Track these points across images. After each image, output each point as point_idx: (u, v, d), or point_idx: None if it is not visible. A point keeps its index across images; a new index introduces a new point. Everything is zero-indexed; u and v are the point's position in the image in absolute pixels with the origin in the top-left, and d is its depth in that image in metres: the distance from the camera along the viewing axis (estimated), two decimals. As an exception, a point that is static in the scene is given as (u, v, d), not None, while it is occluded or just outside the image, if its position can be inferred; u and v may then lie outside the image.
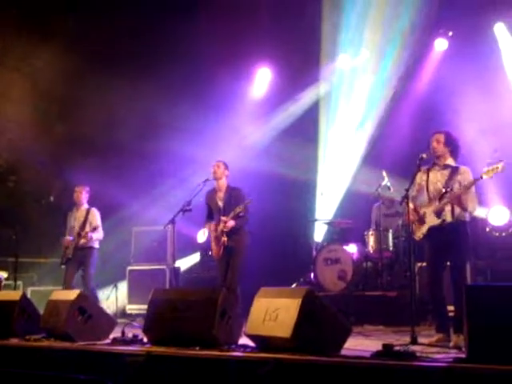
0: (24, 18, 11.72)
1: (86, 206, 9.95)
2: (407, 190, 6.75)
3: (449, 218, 6.72)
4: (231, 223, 8.20)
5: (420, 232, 6.90)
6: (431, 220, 6.82)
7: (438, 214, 6.77)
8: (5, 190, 11.99)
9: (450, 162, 6.91)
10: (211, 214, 8.60)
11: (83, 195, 9.92)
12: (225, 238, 8.25)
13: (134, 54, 12.29)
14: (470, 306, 4.87)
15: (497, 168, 6.40)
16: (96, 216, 9.89)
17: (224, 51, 11.58)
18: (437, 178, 6.90)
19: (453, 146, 6.94)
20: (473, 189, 6.71)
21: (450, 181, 6.78)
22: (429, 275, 6.95)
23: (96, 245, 9.82)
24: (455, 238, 6.71)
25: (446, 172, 6.86)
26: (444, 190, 6.74)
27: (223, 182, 8.52)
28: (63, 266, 9.76)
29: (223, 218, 8.26)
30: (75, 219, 9.88)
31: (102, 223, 9.88)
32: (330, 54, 12.33)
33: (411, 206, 6.84)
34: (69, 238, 9.70)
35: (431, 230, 6.82)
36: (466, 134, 10.33)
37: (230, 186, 8.54)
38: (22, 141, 11.92)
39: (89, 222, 9.77)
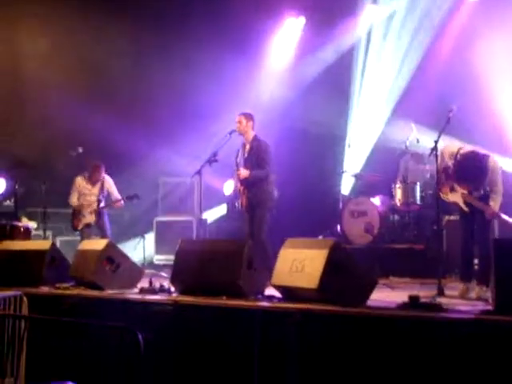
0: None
1: (104, 176, 10.18)
2: (436, 142, 6.69)
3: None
4: (245, 173, 8.14)
5: (450, 197, 6.92)
6: (459, 201, 6.88)
7: (466, 204, 6.84)
8: (33, 142, 12.05)
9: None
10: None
11: (102, 172, 10.07)
12: (241, 187, 8.22)
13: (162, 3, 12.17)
14: (498, 260, 4.86)
15: None
16: (111, 183, 10.18)
17: (251, 3, 11.41)
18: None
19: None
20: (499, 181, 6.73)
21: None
22: (461, 229, 7.00)
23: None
24: (481, 217, 6.81)
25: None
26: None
27: (249, 135, 8.39)
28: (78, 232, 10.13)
29: (240, 168, 8.24)
30: (91, 188, 10.05)
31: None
32: (359, 4, 12.10)
33: (440, 165, 6.81)
34: (77, 202, 9.97)
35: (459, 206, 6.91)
36: (496, 89, 10.19)
37: (256, 138, 8.39)
38: (49, 92, 11.93)
39: (106, 189, 10.07)
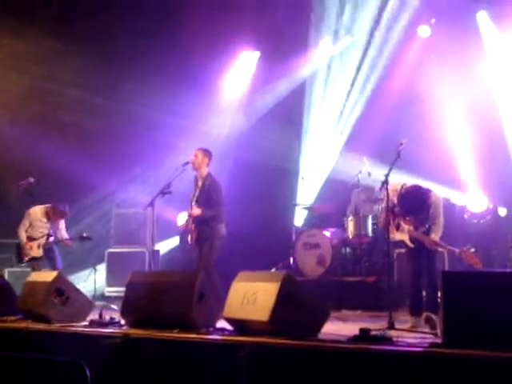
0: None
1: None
2: (387, 176, 6.81)
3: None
4: (196, 211, 8.12)
5: (396, 236, 7.17)
6: (405, 238, 7.11)
7: (412, 240, 7.06)
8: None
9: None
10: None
11: (62, 215, 9.92)
12: (192, 225, 8.21)
13: (119, 32, 12.18)
14: (447, 292, 4.91)
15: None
16: (63, 220, 9.99)
17: (208, 32, 11.49)
18: None
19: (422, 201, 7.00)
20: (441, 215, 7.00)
21: (424, 214, 7.00)
22: (409, 267, 7.21)
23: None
24: (427, 251, 7.02)
25: None
26: (419, 219, 6.99)
27: (203, 171, 8.32)
28: (23, 265, 9.95)
29: (193, 205, 8.23)
30: (46, 223, 9.83)
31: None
32: (313, 38, 12.31)
33: (386, 205, 6.99)
34: (30, 242, 9.74)
35: (404, 243, 7.15)
36: (446, 122, 10.44)
37: (209, 177, 8.33)
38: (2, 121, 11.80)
39: (57, 224, 9.86)
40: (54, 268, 9.48)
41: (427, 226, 6.99)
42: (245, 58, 12.99)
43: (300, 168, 12.27)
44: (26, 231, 9.83)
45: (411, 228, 7.03)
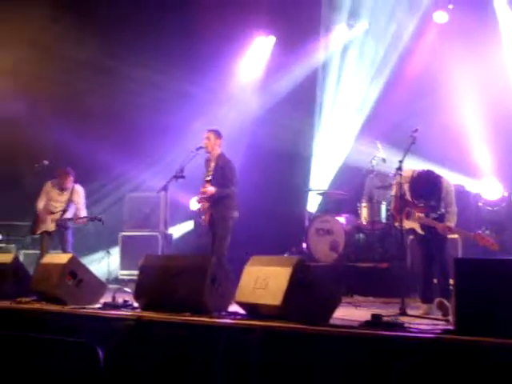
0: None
1: (71, 185, 9.88)
2: (401, 162, 6.80)
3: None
4: (210, 189, 8.17)
5: (406, 224, 7.11)
6: (415, 225, 7.09)
7: (422, 227, 7.05)
8: (1, 155, 11.93)
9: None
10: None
11: (70, 180, 9.83)
12: (205, 204, 8.25)
13: (136, 21, 12.18)
14: (460, 279, 4.89)
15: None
16: (81, 195, 9.82)
17: (223, 18, 11.47)
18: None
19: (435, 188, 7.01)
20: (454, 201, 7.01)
21: (436, 198, 6.99)
22: (420, 254, 7.19)
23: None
24: (437, 238, 7.03)
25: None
26: (430, 204, 6.97)
27: (215, 152, 8.40)
28: (35, 236, 9.85)
29: (205, 185, 8.26)
30: (59, 196, 9.79)
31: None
32: (328, 23, 12.25)
33: (395, 193, 6.98)
34: (42, 208, 9.68)
35: (414, 231, 7.12)
36: (462, 108, 10.36)
37: (221, 157, 8.41)
38: (16, 103, 11.83)
39: (74, 200, 9.74)
40: (63, 251, 9.48)
41: (438, 213, 6.95)
42: (260, 43, 12.96)
43: (313, 153, 12.25)
44: (45, 205, 9.79)
45: (422, 215, 7.00)
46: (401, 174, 6.80)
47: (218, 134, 8.44)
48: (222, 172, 8.25)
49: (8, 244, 10.58)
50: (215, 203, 8.21)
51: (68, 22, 11.76)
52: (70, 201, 9.76)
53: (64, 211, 9.66)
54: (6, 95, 11.79)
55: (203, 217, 8.35)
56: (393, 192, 7.33)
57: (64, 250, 9.47)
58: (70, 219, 9.69)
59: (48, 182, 9.92)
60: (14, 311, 6.77)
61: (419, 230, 7.06)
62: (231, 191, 8.25)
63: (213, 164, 8.40)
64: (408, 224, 7.10)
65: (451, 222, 6.91)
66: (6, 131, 11.95)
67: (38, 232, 9.70)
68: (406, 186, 7.05)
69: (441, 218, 6.97)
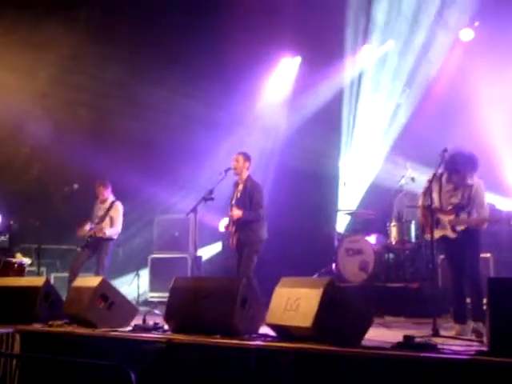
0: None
1: (111, 198, 9.99)
2: (430, 182, 6.75)
3: (463, 228, 6.85)
4: (237, 213, 8.19)
5: (435, 234, 6.93)
6: (446, 231, 6.93)
7: (454, 228, 6.89)
8: (29, 177, 12.09)
9: (469, 180, 6.94)
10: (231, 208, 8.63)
11: (103, 189, 9.96)
12: (232, 228, 8.28)
13: (160, 42, 12.31)
14: (493, 299, 4.84)
15: None
16: (118, 211, 9.92)
17: (249, 40, 11.53)
18: (451, 190, 6.97)
19: (472, 168, 6.93)
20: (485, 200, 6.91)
21: (466, 196, 6.89)
22: (451, 270, 7.01)
23: (113, 237, 9.89)
24: (468, 244, 6.85)
25: (462, 187, 6.91)
26: (460, 205, 6.85)
27: (244, 175, 8.46)
28: (78, 249, 9.88)
29: (233, 208, 8.29)
30: (99, 210, 9.94)
31: (124, 211, 9.93)
32: (355, 43, 12.26)
33: (423, 203, 6.90)
34: (86, 227, 9.74)
35: (445, 238, 6.93)
36: (491, 126, 10.27)
37: (249, 180, 8.45)
38: (46, 128, 12.00)
39: (109, 216, 9.83)
40: (96, 273, 9.54)
41: (467, 211, 6.84)
42: (286, 64, 13.02)
43: (339, 173, 12.22)
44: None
45: (452, 217, 6.88)
46: (431, 194, 6.74)
47: (246, 157, 8.49)
48: (250, 195, 8.29)
49: (39, 267, 10.65)
50: (242, 226, 8.24)
51: (98, 45, 11.92)
52: (105, 214, 9.84)
53: (99, 223, 9.76)
54: (36, 118, 11.96)
55: (230, 239, 8.38)
56: (419, 202, 7.20)
57: (98, 264, 9.54)
58: (93, 228, 9.72)
59: (96, 201, 10.10)
60: (45, 334, 6.82)
61: (451, 234, 6.87)
62: (259, 214, 8.28)
63: (241, 186, 8.45)
64: (438, 233, 6.92)
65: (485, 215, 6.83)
66: (36, 155, 12.12)
67: (79, 233, 9.76)
68: (435, 186, 6.96)
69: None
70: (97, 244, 9.69)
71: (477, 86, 10.31)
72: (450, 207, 6.92)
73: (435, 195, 6.96)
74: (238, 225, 8.24)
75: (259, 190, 8.37)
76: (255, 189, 8.35)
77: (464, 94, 10.53)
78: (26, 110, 12.00)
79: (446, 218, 6.91)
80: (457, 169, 6.89)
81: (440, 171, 6.97)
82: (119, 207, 9.95)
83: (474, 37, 11.06)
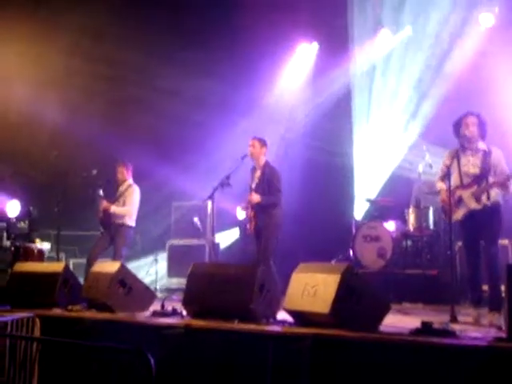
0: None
1: (129, 181, 9.96)
2: (448, 167, 6.71)
3: (487, 202, 6.73)
4: (256, 198, 8.21)
5: (457, 214, 6.87)
6: (471, 204, 6.80)
7: (478, 198, 6.77)
8: (47, 164, 12.14)
9: (481, 144, 6.86)
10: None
11: (124, 169, 9.95)
12: (251, 213, 8.29)
13: (177, 25, 12.31)
14: (511, 286, 4.81)
15: None
16: (132, 194, 9.76)
17: (267, 24, 11.49)
18: (469, 161, 6.88)
19: (483, 129, 6.88)
20: (507, 168, 6.78)
21: (486, 164, 6.75)
22: (467, 255, 6.95)
23: (128, 222, 9.66)
24: (490, 221, 6.75)
25: (480, 155, 6.84)
26: (481, 174, 6.70)
27: (261, 160, 8.46)
28: (98, 233, 9.88)
29: (252, 193, 8.31)
30: (116, 192, 9.97)
31: (141, 198, 9.92)
32: (371, 29, 12.18)
33: (444, 187, 6.80)
34: (106, 203, 9.71)
35: (470, 214, 6.82)
36: (502, 110, 10.17)
37: (267, 165, 8.46)
38: (63, 115, 12.06)
39: (123, 197, 9.77)
40: (114, 256, 9.55)
41: (486, 183, 6.75)
42: (303, 49, 12.96)
43: (353, 161, 12.19)
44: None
45: (474, 189, 6.78)
46: (449, 179, 6.69)
47: (263, 142, 8.50)
48: (268, 180, 8.29)
49: (58, 253, 10.74)
50: (261, 211, 8.26)
51: (114, 29, 11.94)
52: (121, 195, 9.76)
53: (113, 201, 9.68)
54: (52, 105, 12.02)
55: (248, 225, 8.40)
56: (438, 186, 7.14)
57: (115, 253, 9.53)
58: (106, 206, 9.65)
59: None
60: (65, 319, 6.87)
61: (476, 205, 6.76)
62: (278, 199, 8.28)
63: (259, 172, 8.45)
64: (461, 212, 6.86)
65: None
66: (54, 142, 12.17)
67: (99, 215, 9.70)
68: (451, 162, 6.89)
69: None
70: (113, 230, 9.67)
71: (496, 70, 10.20)
72: (469, 180, 6.84)
73: (455, 174, 6.90)
74: (257, 209, 8.26)
75: (277, 175, 8.38)
76: (273, 174, 8.36)
77: (483, 78, 10.40)
78: (42, 98, 12.04)
79: (467, 193, 6.81)
80: (465, 132, 6.83)
81: (456, 148, 6.93)
82: (135, 191, 9.80)
83: (494, 22, 10.92)
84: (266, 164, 8.46)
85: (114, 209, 9.58)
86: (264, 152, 8.48)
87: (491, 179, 6.75)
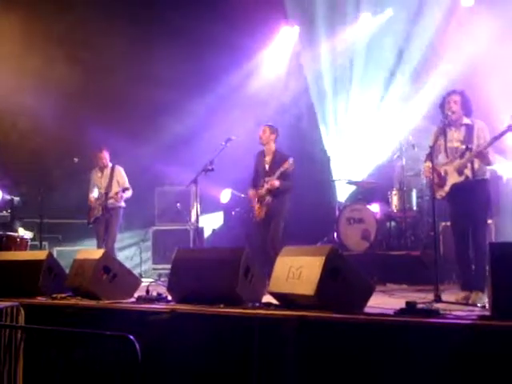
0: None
1: (110, 164, 10.08)
2: (431, 147, 6.71)
3: (470, 175, 6.68)
4: (277, 183, 8.35)
5: (442, 191, 6.86)
6: (453, 178, 6.78)
7: (460, 171, 6.74)
8: (29, 152, 12.06)
9: (465, 120, 6.89)
10: (256, 178, 8.73)
11: (105, 156, 10.03)
12: (270, 198, 8.37)
13: (158, 12, 12.23)
14: (494, 264, 4.84)
15: None
16: (123, 174, 10.10)
17: (246, 10, 11.45)
18: (454, 137, 6.89)
19: (467, 106, 6.90)
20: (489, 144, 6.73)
21: (469, 137, 6.76)
22: (454, 235, 6.95)
23: (123, 204, 10.05)
24: (476, 197, 6.70)
25: (463, 129, 6.87)
26: (465, 147, 6.70)
27: (271, 147, 8.68)
28: (91, 226, 9.96)
29: (268, 179, 8.42)
30: (101, 178, 9.99)
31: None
32: (352, 12, 12.13)
33: (429, 164, 6.78)
34: (94, 196, 9.86)
35: (453, 188, 6.78)
36: (490, 93, 10.18)
37: (278, 151, 8.67)
38: (44, 102, 11.94)
39: (116, 180, 9.92)
40: (105, 242, 9.62)
41: (470, 150, 6.68)
42: (284, 33, 12.90)
43: (325, 144, 12.23)
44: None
45: (457, 161, 6.75)
46: (432, 160, 6.68)
47: (273, 129, 8.74)
48: (280, 166, 8.38)
49: (41, 241, 10.69)
50: (276, 195, 8.43)
51: (100, 22, 11.84)
52: (110, 183, 9.96)
53: (107, 193, 9.81)
54: (33, 93, 11.90)
55: (256, 211, 8.45)
56: (424, 166, 7.12)
57: (109, 234, 9.64)
58: (110, 198, 9.87)
59: (92, 171, 10.19)
60: (50, 307, 6.84)
61: (457, 178, 6.72)
62: (292, 184, 8.52)
63: (268, 158, 8.65)
64: (447, 187, 6.81)
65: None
66: (35, 128, 12.07)
67: (91, 220, 9.97)
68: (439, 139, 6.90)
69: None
70: (108, 214, 9.81)
71: (482, 48, 10.17)
72: (456, 156, 6.84)
73: (442, 153, 6.91)
74: (273, 194, 8.40)
75: (290, 161, 8.49)
76: (286, 160, 8.44)
77: (469, 57, 10.36)
78: (23, 84, 11.92)
79: (452, 167, 6.80)
80: (447, 111, 6.84)
81: (441, 125, 6.93)
82: (122, 170, 10.11)
83: (475, 2, 10.90)
84: (278, 151, 8.67)
85: (125, 195, 9.97)
86: (273, 138, 8.69)
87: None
